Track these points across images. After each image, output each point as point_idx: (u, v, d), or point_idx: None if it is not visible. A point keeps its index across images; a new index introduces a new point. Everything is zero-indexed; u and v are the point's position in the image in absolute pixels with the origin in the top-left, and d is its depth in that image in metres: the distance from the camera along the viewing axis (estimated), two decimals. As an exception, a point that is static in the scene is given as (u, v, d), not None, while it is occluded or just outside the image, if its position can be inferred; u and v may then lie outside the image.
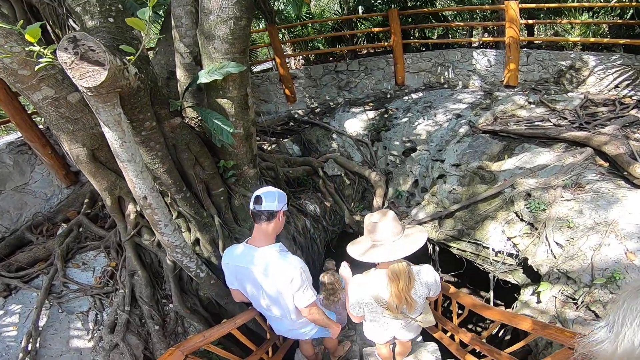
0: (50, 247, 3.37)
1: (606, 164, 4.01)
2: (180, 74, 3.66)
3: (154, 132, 2.85)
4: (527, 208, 3.88)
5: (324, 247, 5.46)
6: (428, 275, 1.92)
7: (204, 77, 2.96)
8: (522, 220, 3.93)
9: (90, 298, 3.07)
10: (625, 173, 3.66)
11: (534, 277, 3.65)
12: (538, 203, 3.83)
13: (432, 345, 3.00)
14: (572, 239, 3.36)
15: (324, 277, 3.11)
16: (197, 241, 3.39)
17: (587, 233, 3.27)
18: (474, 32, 9.36)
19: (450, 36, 9.06)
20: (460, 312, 2.97)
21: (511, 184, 4.32)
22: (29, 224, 3.83)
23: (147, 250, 3.32)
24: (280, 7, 8.29)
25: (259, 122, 6.17)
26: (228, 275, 2.14)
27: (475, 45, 8.26)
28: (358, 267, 2.07)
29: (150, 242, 3.27)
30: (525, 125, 4.96)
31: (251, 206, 1.95)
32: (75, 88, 2.58)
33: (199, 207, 3.34)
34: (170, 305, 3.21)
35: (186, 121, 3.55)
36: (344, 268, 2.24)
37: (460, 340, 2.80)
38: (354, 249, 1.91)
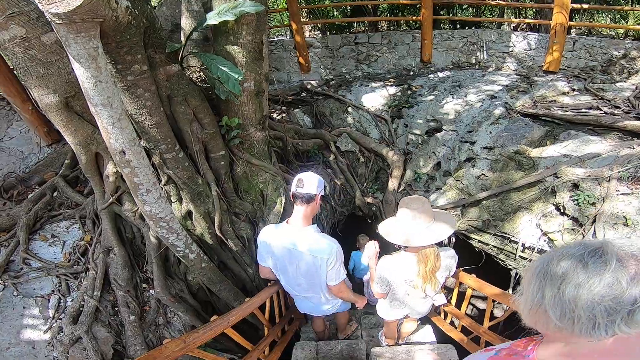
0: (16, 214, 2.84)
1: (671, 157, 3.45)
2: (186, 21, 3.10)
3: (144, 78, 2.35)
4: (573, 200, 3.41)
5: (329, 228, 4.98)
6: (450, 258, 2.09)
7: (212, 19, 2.43)
8: (563, 213, 3.48)
9: (55, 279, 2.56)
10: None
11: None
12: (588, 195, 3.35)
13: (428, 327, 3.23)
14: (629, 237, 2.94)
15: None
16: (188, 214, 2.89)
17: None
18: (510, 13, 8.56)
19: (486, 15, 8.32)
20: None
21: (554, 173, 3.79)
22: None
23: (128, 222, 2.80)
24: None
25: (270, 89, 5.57)
26: (262, 252, 2.23)
27: (513, 26, 7.57)
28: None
29: (132, 213, 2.76)
30: (572, 111, 4.36)
31: (293, 188, 2.06)
32: (52, 27, 2.07)
33: (194, 171, 2.82)
34: (151, 291, 2.71)
35: (188, 72, 2.99)
36: (373, 247, 2.28)
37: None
38: (388, 230, 2.04)
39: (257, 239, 2.27)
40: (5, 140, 3.57)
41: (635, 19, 7.12)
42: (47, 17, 1.56)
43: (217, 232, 2.99)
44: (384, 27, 8.20)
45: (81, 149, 2.54)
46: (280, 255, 2.15)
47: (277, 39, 7.10)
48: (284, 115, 5.19)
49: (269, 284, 2.76)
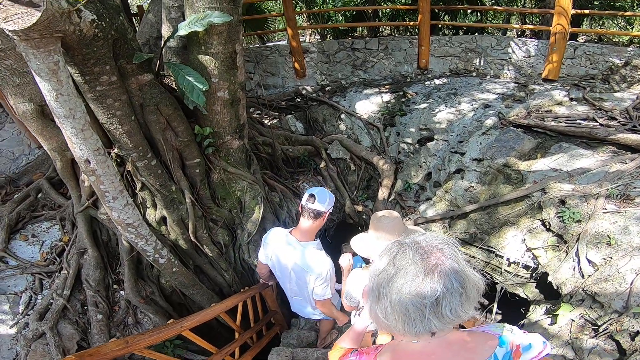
0: (0, 214, 2.95)
1: (663, 174, 3.32)
2: (165, 30, 3.16)
3: (113, 88, 2.40)
4: (558, 217, 3.34)
5: (319, 235, 4.96)
6: None
7: (183, 29, 2.47)
8: (548, 230, 3.40)
9: (30, 277, 2.64)
10: (691, 187, 2.97)
11: (548, 294, 3.27)
12: (573, 213, 3.27)
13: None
14: (611, 258, 2.86)
15: None
16: (163, 220, 2.92)
17: (632, 253, 2.77)
18: (511, 18, 8.42)
19: (485, 21, 8.17)
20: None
21: (542, 188, 3.71)
22: (-11, 184, 3.43)
23: (103, 225, 2.85)
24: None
25: (261, 95, 5.61)
26: (264, 252, 2.37)
27: (515, 33, 7.41)
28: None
29: (106, 216, 2.81)
30: (566, 123, 4.24)
31: (303, 201, 2.13)
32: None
33: (167, 179, 2.86)
34: (122, 292, 2.75)
35: (167, 81, 3.04)
36: (346, 259, 2.29)
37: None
38: (358, 244, 2.02)
39: (263, 238, 2.42)
40: (-3, 141, 3.69)
41: None
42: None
43: (192, 237, 3.02)
44: (385, 32, 8.12)
45: (57, 154, 2.61)
46: (279, 259, 2.29)
47: (272, 44, 7.13)
48: (274, 121, 5.20)
49: (244, 290, 2.79)
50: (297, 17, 6.10)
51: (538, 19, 7.36)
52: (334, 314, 2.45)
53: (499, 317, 4.11)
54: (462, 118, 4.85)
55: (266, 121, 5.14)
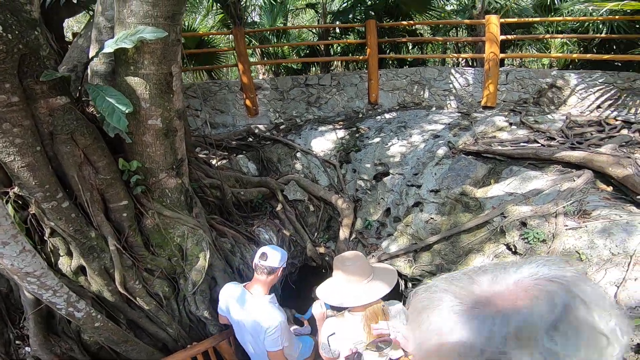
0: None
1: (609, 188, 3.44)
2: (94, 51, 2.83)
3: (12, 111, 2.02)
4: (523, 239, 3.32)
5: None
6: (399, 311, 1.97)
7: (109, 47, 2.17)
8: (515, 252, 3.38)
9: None
10: (638, 197, 3.05)
11: None
12: (537, 233, 3.28)
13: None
14: (586, 273, 2.82)
15: None
16: (81, 269, 2.38)
17: (605, 266, 2.76)
18: (449, 49, 9.12)
19: (427, 53, 8.77)
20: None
21: (501, 212, 3.68)
22: None
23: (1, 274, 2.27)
24: (254, 19, 7.78)
25: (209, 134, 5.30)
26: (221, 304, 2.44)
27: (452, 62, 7.98)
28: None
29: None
30: (512, 146, 4.38)
31: (255, 260, 2.28)
32: None
33: (84, 223, 2.36)
34: (27, 349, 2.19)
35: (90, 110, 2.65)
36: (319, 307, 2.20)
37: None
38: (327, 294, 1.96)
39: (218, 293, 2.49)
40: None
41: (557, 49, 7.71)
42: None
43: (120, 289, 2.49)
44: (339, 67, 8.38)
45: None
46: (234, 315, 2.34)
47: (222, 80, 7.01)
48: (224, 161, 4.87)
49: (192, 345, 2.62)
50: (250, 54, 6.05)
51: (471, 48, 7.95)
52: None
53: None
54: (414, 150, 4.86)
55: (214, 162, 4.79)
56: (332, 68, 8.58)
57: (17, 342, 2.36)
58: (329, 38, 7.95)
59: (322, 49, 7.69)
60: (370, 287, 1.85)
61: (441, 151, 4.61)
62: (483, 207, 3.88)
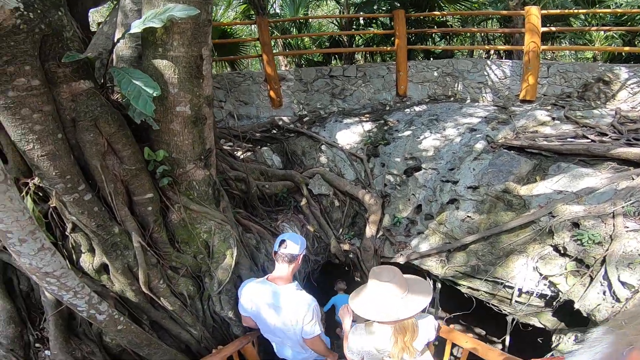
0: None
1: (675, 188, 3.09)
2: (119, 35, 2.67)
3: (33, 95, 1.85)
4: (575, 240, 3.10)
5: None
6: (429, 326, 2.01)
7: (136, 27, 1.99)
8: (564, 255, 3.15)
9: None
10: None
11: (570, 321, 3.09)
12: (592, 234, 3.01)
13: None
14: None
15: None
16: (104, 268, 2.23)
17: None
18: (477, 41, 8.72)
19: (455, 44, 8.39)
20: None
21: (549, 211, 3.40)
22: None
23: (22, 273, 2.15)
24: (275, 10, 7.57)
25: (233, 125, 5.13)
26: (243, 304, 2.34)
27: (484, 54, 7.61)
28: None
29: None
30: (559, 141, 4.03)
31: (275, 248, 2.25)
32: None
33: (107, 218, 2.20)
34: (47, 352, 2.09)
35: (115, 97, 2.49)
36: (346, 311, 2.26)
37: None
38: (360, 306, 1.96)
39: (238, 292, 2.41)
40: None
41: (601, 42, 7.23)
42: None
43: (144, 289, 2.33)
44: (361, 60, 8.12)
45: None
46: (260, 309, 2.26)
47: (245, 70, 6.85)
48: (249, 153, 4.69)
49: (217, 350, 2.46)
50: (272, 46, 5.85)
51: (503, 40, 7.58)
52: (325, 352, 2.43)
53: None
54: (449, 144, 4.57)
55: (239, 154, 4.61)
56: (354, 60, 8.31)
57: (36, 345, 2.25)
58: (352, 30, 7.68)
59: (346, 40, 7.43)
60: (405, 303, 1.86)
61: (479, 145, 4.29)
62: (528, 205, 3.60)
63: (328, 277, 5.03)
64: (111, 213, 2.24)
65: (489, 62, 5.79)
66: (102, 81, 2.33)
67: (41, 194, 2.09)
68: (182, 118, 2.33)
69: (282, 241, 2.22)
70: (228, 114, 5.34)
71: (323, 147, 5.17)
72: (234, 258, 2.80)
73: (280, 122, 5.62)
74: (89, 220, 2.09)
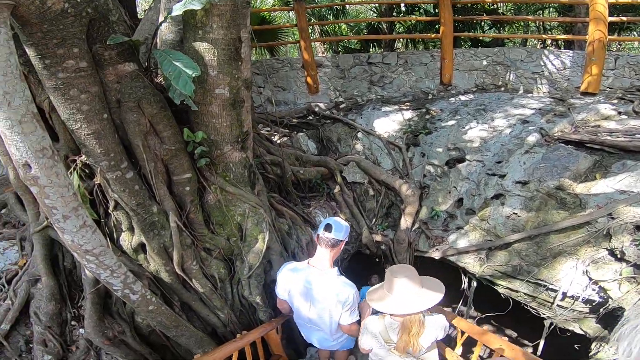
0: (-43, 230, 2.41)
1: None
2: (162, 19, 2.70)
3: (81, 77, 1.93)
4: (636, 245, 2.85)
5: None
6: (438, 324, 2.07)
7: (177, 9, 1.99)
8: (620, 259, 2.93)
9: (-30, 306, 2.06)
10: None
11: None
12: None
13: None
14: None
15: None
16: (141, 247, 2.32)
17: None
18: (532, 30, 8.08)
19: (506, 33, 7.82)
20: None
21: (609, 212, 3.09)
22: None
23: (67, 250, 2.27)
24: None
25: (271, 111, 5.14)
26: (281, 287, 2.34)
27: (541, 45, 7.04)
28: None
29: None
30: (626, 137, 3.61)
31: (320, 231, 2.20)
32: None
33: (147, 197, 2.27)
34: (81, 330, 2.19)
35: (158, 80, 2.54)
36: (366, 306, 2.29)
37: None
38: (375, 298, 2.09)
39: (277, 273, 2.39)
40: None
41: None
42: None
43: (177, 269, 2.40)
44: (401, 47, 7.80)
45: (8, 159, 2.08)
46: (298, 292, 2.26)
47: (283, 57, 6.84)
48: (285, 139, 4.68)
49: (241, 335, 2.44)
50: (310, 32, 5.77)
51: (561, 30, 6.97)
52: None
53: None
54: (498, 135, 4.26)
55: (275, 139, 4.62)
56: (395, 48, 8.00)
57: (72, 322, 2.36)
58: (392, 16, 7.38)
59: (385, 27, 7.15)
60: (417, 298, 1.97)
61: (532, 138, 3.96)
62: (584, 205, 3.29)
63: (357, 268, 4.97)
64: (151, 192, 2.32)
65: (546, 51, 5.36)
66: (146, 64, 2.39)
67: (87, 171, 2.19)
68: (220, 100, 2.33)
69: (328, 225, 2.17)
70: (266, 100, 5.36)
71: (359, 135, 5.04)
72: (265, 242, 2.81)
73: (317, 109, 5.55)
74: (130, 198, 2.18)
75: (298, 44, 5.55)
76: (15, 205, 2.71)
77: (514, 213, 3.67)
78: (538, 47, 7.95)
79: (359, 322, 2.32)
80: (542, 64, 5.32)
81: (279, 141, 4.60)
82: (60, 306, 2.34)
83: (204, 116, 2.39)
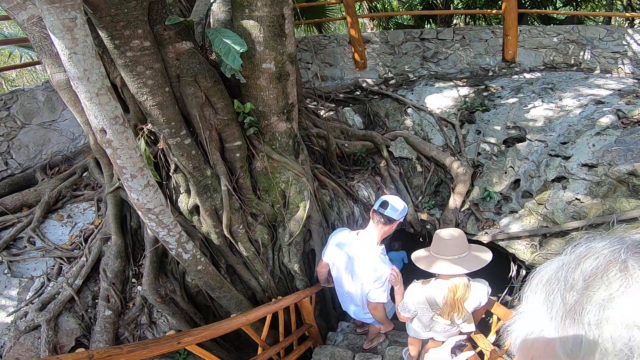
0: (42, 191, 2.85)
1: None
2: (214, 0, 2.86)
3: (145, 55, 2.14)
4: None
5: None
6: (482, 290, 2.07)
7: (226, -12, 2.09)
8: None
9: (51, 261, 2.42)
10: None
11: None
12: None
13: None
14: None
15: None
16: (196, 209, 2.57)
17: None
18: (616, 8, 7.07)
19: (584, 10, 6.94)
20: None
21: (691, 204, 2.69)
22: (45, 162, 3.44)
23: (135, 210, 2.59)
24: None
25: (318, 86, 5.18)
26: (329, 251, 2.40)
27: (628, 23, 6.17)
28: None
29: (139, 199, 2.53)
30: None
31: (375, 206, 2.17)
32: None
33: (202, 161, 2.51)
34: (139, 288, 2.43)
35: (212, 57, 2.73)
36: (397, 277, 2.28)
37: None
38: (420, 259, 2.06)
39: (330, 236, 2.45)
40: (59, 121, 3.72)
41: None
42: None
43: (225, 232, 2.64)
44: (460, 24, 7.28)
45: (89, 128, 2.41)
46: (342, 259, 2.32)
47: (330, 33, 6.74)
48: (331, 113, 4.72)
49: (276, 300, 2.54)
50: (357, 9, 5.62)
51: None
52: (382, 318, 2.45)
53: None
54: (565, 115, 3.88)
55: (322, 113, 4.68)
56: (452, 23, 7.47)
57: (132, 280, 2.56)
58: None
59: (440, 2, 6.69)
60: (465, 260, 1.95)
61: (605, 119, 3.55)
62: (660, 194, 2.92)
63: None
64: (205, 157, 2.55)
65: (630, 30, 4.67)
66: (201, 42, 2.57)
67: (152, 138, 2.47)
68: (267, 74, 2.45)
69: (384, 202, 2.13)
70: (314, 75, 5.40)
71: (409, 110, 4.90)
72: (306, 211, 2.94)
73: (364, 84, 5.46)
74: (188, 162, 2.43)
75: (345, 20, 5.45)
76: (94, 168, 3.11)
77: (576, 198, 3.37)
78: (625, 25, 6.98)
79: (397, 304, 2.31)
80: (625, 43, 4.74)
81: (325, 115, 4.66)
82: (125, 264, 2.56)
83: (252, 89, 2.54)
